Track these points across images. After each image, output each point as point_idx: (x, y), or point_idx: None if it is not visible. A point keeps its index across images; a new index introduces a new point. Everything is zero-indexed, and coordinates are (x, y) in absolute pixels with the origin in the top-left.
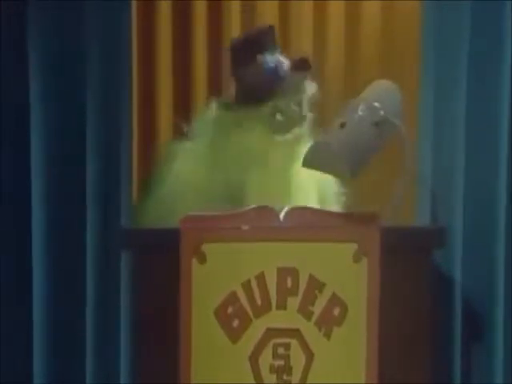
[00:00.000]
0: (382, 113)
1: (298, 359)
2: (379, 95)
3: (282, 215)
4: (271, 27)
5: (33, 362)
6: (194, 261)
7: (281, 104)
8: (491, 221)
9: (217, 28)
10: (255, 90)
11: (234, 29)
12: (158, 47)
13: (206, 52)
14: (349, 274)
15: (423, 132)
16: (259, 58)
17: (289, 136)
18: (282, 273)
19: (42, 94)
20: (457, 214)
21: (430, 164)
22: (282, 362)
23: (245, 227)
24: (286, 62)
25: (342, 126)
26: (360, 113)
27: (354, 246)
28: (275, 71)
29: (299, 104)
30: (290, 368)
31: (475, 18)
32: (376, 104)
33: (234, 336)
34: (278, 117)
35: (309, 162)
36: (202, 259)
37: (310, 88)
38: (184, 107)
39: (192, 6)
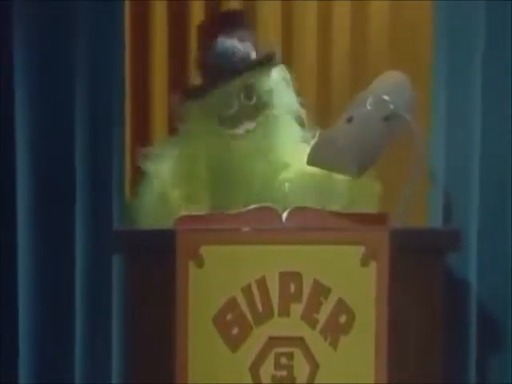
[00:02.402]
0: (391, 107)
1: (301, 370)
2: (389, 88)
3: (284, 216)
4: (239, 11)
5: (18, 363)
6: (192, 264)
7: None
8: (507, 222)
9: None
10: (209, 76)
11: None
12: (153, 48)
13: None
14: (356, 278)
15: (436, 127)
16: (214, 41)
17: (239, 131)
18: (285, 277)
19: (29, 95)
20: (471, 215)
21: (443, 161)
22: (284, 373)
23: (245, 229)
24: (243, 49)
25: (349, 120)
26: (368, 107)
27: (361, 249)
28: (226, 55)
29: (251, 96)
30: (294, 379)
31: (489, 11)
32: (385, 97)
33: (234, 344)
34: (228, 110)
35: (314, 159)
36: (200, 262)
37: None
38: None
39: (189, 7)
